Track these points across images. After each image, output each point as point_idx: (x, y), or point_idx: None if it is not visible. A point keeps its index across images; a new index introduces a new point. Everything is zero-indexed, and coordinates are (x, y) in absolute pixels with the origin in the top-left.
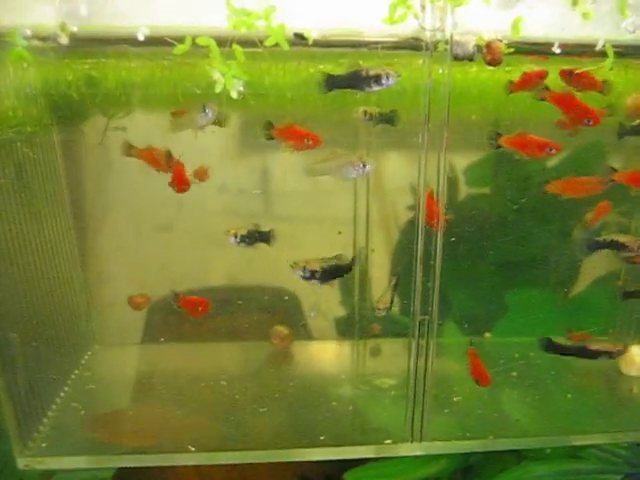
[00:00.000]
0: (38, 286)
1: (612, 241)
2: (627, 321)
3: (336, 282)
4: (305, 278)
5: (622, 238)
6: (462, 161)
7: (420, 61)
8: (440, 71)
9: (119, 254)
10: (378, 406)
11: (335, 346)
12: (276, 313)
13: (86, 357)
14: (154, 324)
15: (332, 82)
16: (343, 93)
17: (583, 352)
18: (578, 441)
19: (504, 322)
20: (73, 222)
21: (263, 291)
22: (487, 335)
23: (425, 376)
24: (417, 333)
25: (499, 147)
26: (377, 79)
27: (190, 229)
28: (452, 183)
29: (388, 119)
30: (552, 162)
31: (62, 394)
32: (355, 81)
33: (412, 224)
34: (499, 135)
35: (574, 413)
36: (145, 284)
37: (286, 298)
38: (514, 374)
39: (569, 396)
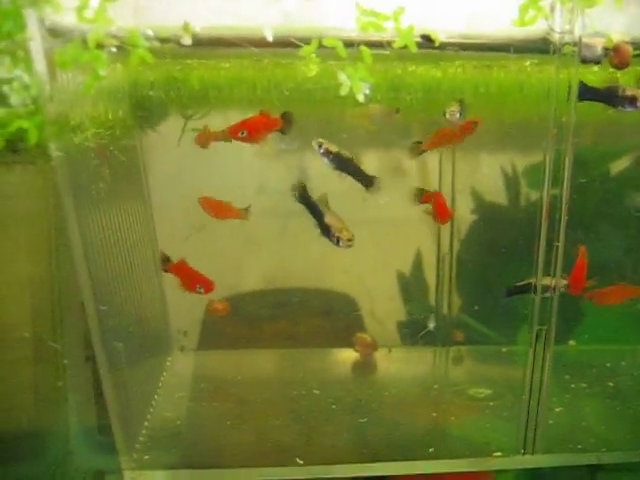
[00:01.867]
0: (125, 293)
1: None
2: None
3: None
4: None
5: None
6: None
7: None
8: None
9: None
10: (479, 417)
11: (417, 354)
12: (339, 318)
13: (168, 363)
14: (229, 329)
15: (585, 92)
16: None
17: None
18: None
19: (583, 329)
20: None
21: (321, 295)
22: (571, 343)
23: (541, 387)
24: (534, 342)
25: None
26: (632, 100)
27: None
28: (512, 185)
29: None
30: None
31: (153, 402)
32: (609, 97)
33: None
34: None
35: None
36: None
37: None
38: (611, 384)
39: None
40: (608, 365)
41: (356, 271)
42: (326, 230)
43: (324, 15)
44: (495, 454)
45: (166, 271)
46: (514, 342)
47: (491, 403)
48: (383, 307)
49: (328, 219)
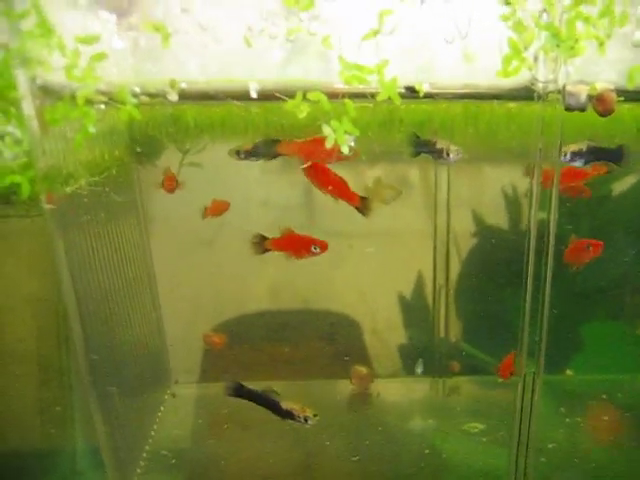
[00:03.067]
0: (124, 331)
1: None
2: None
3: (399, 314)
4: None
5: None
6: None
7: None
8: None
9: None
10: (473, 454)
11: (413, 385)
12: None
13: (166, 397)
14: (227, 360)
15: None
16: None
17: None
18: None
19: (581, 358)
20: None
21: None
22: (569, 373)
23: (529, 430)
24: (522, 386)
25: None
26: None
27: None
28: (514, 206)
29: None
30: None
31: (150, 440)
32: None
33: (476, 253)
34: None
35: None
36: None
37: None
38: (605, 418)
39: None
40: (604, 397)
41: (355, 295)
42: (288, 415)
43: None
44: None
45: (265, 251)
46: None
47: (484, 439)
48: (382, 335)
49: (285, 405)
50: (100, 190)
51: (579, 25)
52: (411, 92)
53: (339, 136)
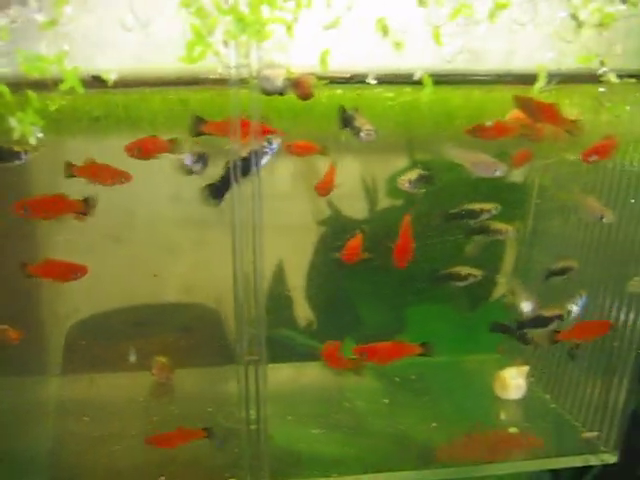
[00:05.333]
0: None
1: None
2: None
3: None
4: None
5: None
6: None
7: None
8: None
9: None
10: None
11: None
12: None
13: None
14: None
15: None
16: None
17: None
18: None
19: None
20: None
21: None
22: None
23: (258, 429)
24: (245, 376)
25: None
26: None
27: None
28: (371, 194)
29: None
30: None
31: None
32: None
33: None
34: None
35: None
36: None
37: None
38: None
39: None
40: (412, 377)
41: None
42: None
43: None
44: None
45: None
46: None
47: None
48: None
49: None
50: None
51: (265, 9)
52: (99, 81)
53: (25, 127)
